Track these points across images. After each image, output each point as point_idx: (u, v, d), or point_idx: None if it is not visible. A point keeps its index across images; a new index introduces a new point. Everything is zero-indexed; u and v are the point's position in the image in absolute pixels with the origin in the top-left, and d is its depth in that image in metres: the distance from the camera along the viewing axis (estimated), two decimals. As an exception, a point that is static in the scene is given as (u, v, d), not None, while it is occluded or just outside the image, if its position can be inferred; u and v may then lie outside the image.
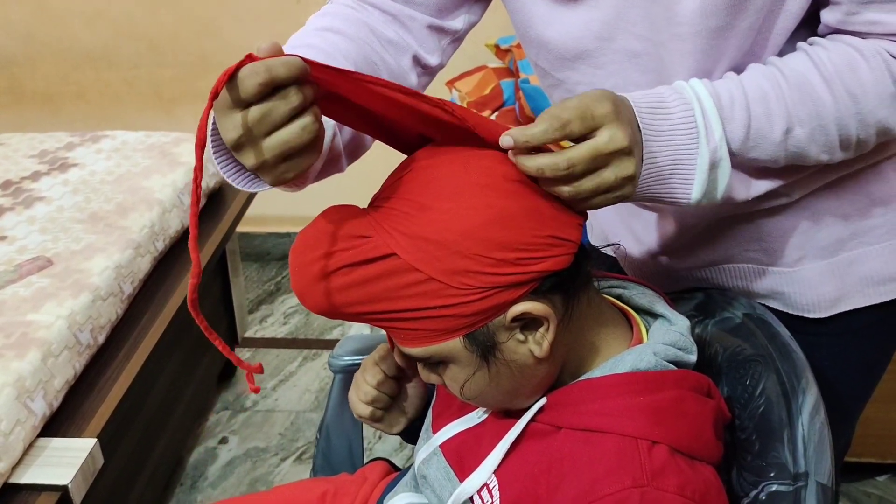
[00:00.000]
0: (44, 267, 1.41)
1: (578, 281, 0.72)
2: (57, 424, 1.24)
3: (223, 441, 2.00)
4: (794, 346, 0.80)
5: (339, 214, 0.71)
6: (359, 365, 1.17)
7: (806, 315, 0.88)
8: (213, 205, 1.90)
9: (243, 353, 2.28)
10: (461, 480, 0.79)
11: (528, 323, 0.69)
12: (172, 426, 1.72)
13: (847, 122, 0.72)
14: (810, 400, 0.74)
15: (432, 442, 0.85)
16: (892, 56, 0.72)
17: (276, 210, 2.53)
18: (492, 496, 0.75)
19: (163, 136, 1.90)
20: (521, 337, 0.69)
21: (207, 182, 1.86)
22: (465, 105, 1.98)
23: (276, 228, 2.63)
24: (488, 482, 0.76)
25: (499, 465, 0.75)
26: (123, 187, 1.68)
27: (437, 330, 0.68)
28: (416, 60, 0.87)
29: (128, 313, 1.49)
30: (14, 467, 1.13)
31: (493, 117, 1.90)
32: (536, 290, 0.67)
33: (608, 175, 0.65)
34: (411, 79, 0.87)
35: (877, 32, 0.72)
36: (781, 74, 0.72)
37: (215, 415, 2.08)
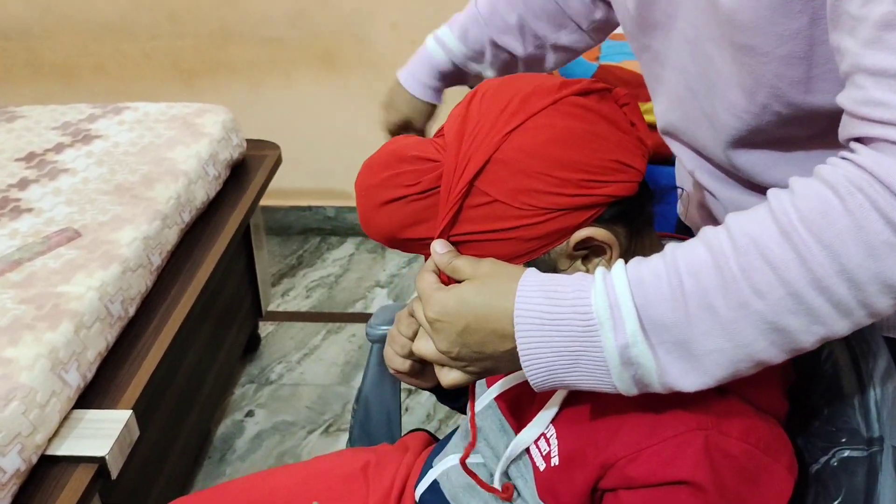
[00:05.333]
0: (72, 238, 1.39)
1: (642, 218, 0.71)
2: (91, 396, 1.22)
3: (250, 414, 1.99)
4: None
5: (406, 141, 0.72)
6: (397, 335, 1.16)
7: None
8: (235, 177, 1.87)
9: (267, 327, 2.26)
10: (517, 432, 0.78)
11: (590, 252, 0.68)
12: (202, 399, 1.71)
13: (829, 284, 0.54)
14: (882, 364, 0.71)
15: (487, 395, 0.84)
16: (881, 185, 0.52)
17: (297, 183, 2.51)
18: (549, 445, 0.74)
19: (185, 108, 1.87)
20: (581, 267, 0.69)
21: (231, 153, 1.84)
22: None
23: (296, 202, 2.61)
24: (545, 431, 0.75)
25: (556, 415, 0.74)
26: (148, 158, 1.65)
27: (499, 255, 0.68)
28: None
29: (156, 285, 1.48)
30: (50, 439, 1.12)
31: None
32: (600, 218, 0.67)
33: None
34: (597, 15, 1.02)
35: (881, 119, 0.53)
36: (728, 236, 0.57)
37: (240, 388, 2.07)
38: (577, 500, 0.71)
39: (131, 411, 1.19)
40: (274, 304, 2.35)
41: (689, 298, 0.57)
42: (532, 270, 0.65)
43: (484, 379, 0.87)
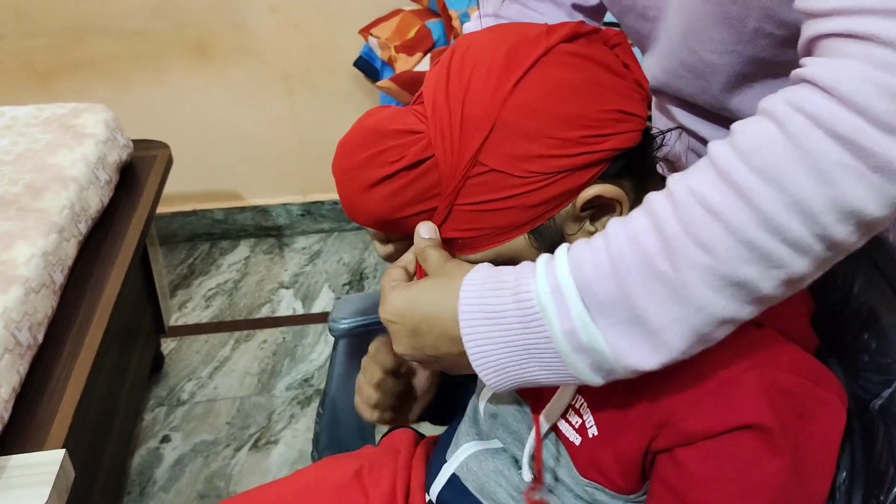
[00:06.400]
0: (-44, 263, 1.20)
1: (646, 165, 0.66)
2: (11, 440, 1.05)
3: (165, 440, 1.82)
4: (883, 234, 0.75)
5: (383, 113, 0.66)
6: (362, 327, 1.08)
7: None
8: (125, 181, 1.69)
9: (169, 344, 2.08)
10: (538, 410, 0.72)
11: (597, 211, 0.64)
12: (116, 429, 1.53)
13: (780, 222, 0.48)
14: (925, 285, 0.70)
15: None
16: (823, 96, 0.46)
17: (179, 187, 2.32)
18: (581, 416, 0.68)
19: (58, 108, 1.67)
20: (591, 228, 0.64)
21: (119, 154, 1.66)
22: (392, 49, 1.86)
23: (180, 207, 2.42)
24: (574, 402, 0.69)
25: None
26: (28, 166, 1.46)
27: (500, 227, 0.63)
28: (577, 7, 0.87)
29: (61, 306, 1.30)
30: (-27, 496, 0.95)
31: (426, 59, 1.80)
32: (605, 173, 0.62)
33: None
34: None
35: (831, 8, 0.47)
36: (666, 194, 0.53)
37: (150, 413, 1.89)
38: (626, 469, 0.66)
39: (64, 451, 1.03)
40: (173, 319, 2.17)
41: (632, 269, 0.52)
42: (483, 265, 0.61)
43: None
